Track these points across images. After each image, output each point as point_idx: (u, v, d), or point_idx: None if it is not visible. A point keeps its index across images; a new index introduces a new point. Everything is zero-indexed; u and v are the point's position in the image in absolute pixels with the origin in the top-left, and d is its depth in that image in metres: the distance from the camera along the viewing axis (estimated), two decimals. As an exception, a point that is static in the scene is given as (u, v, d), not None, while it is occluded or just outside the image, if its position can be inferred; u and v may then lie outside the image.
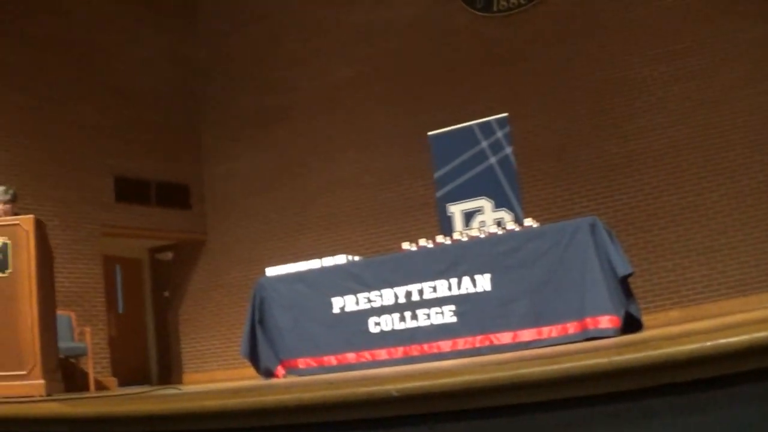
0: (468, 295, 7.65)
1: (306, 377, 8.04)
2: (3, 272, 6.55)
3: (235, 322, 14.34)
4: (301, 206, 14.42)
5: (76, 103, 13.76)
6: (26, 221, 6.64)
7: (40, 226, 6.74)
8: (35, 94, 13.22)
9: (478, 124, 9.66)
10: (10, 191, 7.53)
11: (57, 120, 13.45)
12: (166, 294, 15.77)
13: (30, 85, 13.18)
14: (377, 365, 7.89)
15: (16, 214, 7.26)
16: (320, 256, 9.20)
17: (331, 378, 6.04)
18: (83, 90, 13.92)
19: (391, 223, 13.37)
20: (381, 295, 8.07)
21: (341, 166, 14.10)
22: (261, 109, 15.12)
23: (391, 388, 2.91)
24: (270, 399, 3.21)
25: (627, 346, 2.70)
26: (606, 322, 6.89)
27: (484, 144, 9.50)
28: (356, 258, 8.98)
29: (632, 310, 7.15)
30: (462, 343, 7.58)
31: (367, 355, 8.07)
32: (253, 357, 8.64)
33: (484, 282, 7.58)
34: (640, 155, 11.68)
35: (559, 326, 7.19)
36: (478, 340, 7.51)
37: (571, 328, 7.12)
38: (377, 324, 8.07)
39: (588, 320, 6.99)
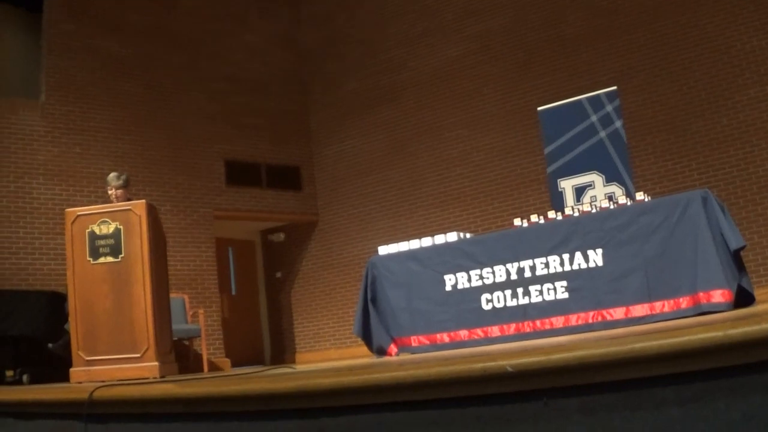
0: (580, 271, 7.56)
1: (419, 354, 8.07)
2: (116, 257, 6.66)
3: (348, 302, 14.48)
4: (412, 185, 14.44)
5: (185, 90, 14.05)
6: (138, 206, 6.74)
7: (152, 211, 6.84)
8: (145, 83, 13.56)
9: (588, 98, 9.53)
10: (123, 177, 7.70)
11: (167, 108, 13.77)
12: (279, 275, 15.97)
13: (140, 74, 13.53)
14: (490, 342, 7.87)
15: (129, 200, 7.41)
16: (431, 234, 9.21)
17: (445, 354, 6.05)
18: (192, 77, 14.20)
19: (501, 200, 13.30)
20: (493, 272, 8.04)
21: (450, 145, 14.06)
22: (369, 90, 15.17)
23: (506, 363, 2.90)
24: (384, 376, 3.22)
25: (741, 320, 2.65)
26: (719, 296, 6.72)
27: (594, 118, 9.37)
28: (468, 235, 8.96)
29: (744, 283, 6.96)
30: (574, 320, 7.51)
31: (479, 332, 8.05)
32: (366, 335, 8.70)
33: (596, 257, 7.49)
34: (751, 126, 11.34)
35: (672, 301, 7.05)
36: (590, 316, 7.43)
37: (684, 302, 6.97)
38: (489, 301, 8.05)
39: (701, 294, 6.83)
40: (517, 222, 8.42)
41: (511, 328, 7.87)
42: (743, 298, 6.86)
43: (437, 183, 14.15)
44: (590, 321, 7.41)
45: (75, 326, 6.57)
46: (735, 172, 11.37)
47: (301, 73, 15.96)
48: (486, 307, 8.06)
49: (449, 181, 14.00)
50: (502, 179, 13.38)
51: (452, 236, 8.67)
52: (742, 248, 6.99)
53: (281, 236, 15.99)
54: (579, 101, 9.56)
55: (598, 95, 9.49)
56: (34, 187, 11.93)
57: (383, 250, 9.03)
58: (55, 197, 12.03)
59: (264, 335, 16.06)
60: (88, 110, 12.78)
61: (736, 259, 6.99)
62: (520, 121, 13.04)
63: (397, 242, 9.09)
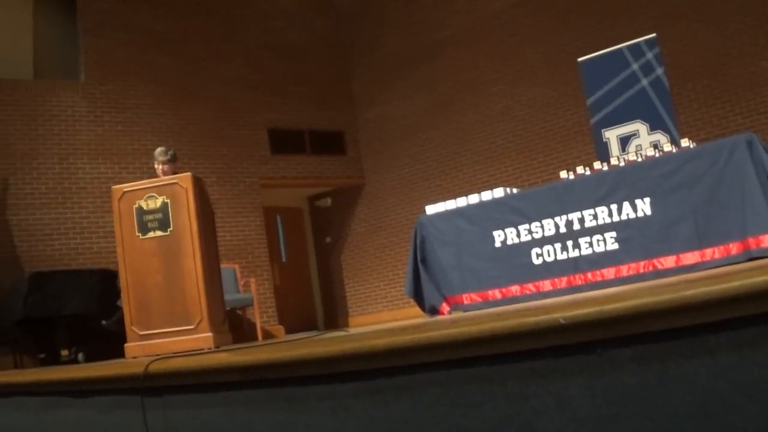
0: (629, 221, 7.52)
1: (471, 312, 8.11)
2: (165, 231, 6.66)
3: (398, 263, 14.53)
4: (456, 143, 14.40)
5: (225, 61, 14.09)
6: (184, 179, 6.74)
7: (198, 183, 6.83)
8: (183, 57, 13.61)
9: (628, 47, 9.43)
10: (170, 151, 7.73)
11: (208, 80, 13.82)
12: (328, 240, 16.07)
13: (177, 49, 13.58)
14: (541, 296, 7.89)
15: (176, 173, 7.44)
16: (478, 191, 9.20)
17: (497, 310, 6.05)
18: (232, 48, 14.23)
19: (546, 153, 13.22)
20: (542, 226, 8.04)
21: (493, 100, 13.98)
22: (410, 49, 15.11)
23: (559, 316, 2.90)
24: (437, 334, 3.23)
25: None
26: None
27: (635, 66, 9.27)
28: (514, 190, 8.95)
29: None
30: (625, 270, 7.48)
31: (531, 287, 8.06)
32: (418, 295, 8.76)
33: (644, 206, 7.44)
34: (796, 69, 11.15)
35: (722, 247, 6.99)
36: (641, 266, 7.39)
37: (734, 248, 6.90)
38: (539, 255, 8.05)
39: (750, 240, 6.76)
40: (563, 175, 8.38)
41: (563, 282, 7.87)
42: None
43: (481, 140, 14.09)
44: (641, 271, 7.37)
45: (127, 302, 6.62)
46: (780, 115, 11.20)
47: (340, 37, 15.94)
48: (536, 261, 8.06)
49: (493, 137, 13.94)
50: (546, 132, 13.29)
51: (499, 192, 8.65)
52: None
53: (328, 201, 16.06)
54: (619, 50, 9.47)
55: (638, 43, 9.38)
56: (79, 167, 12.06)
57: (431, 209, 9.04)
58: (100, 176, 12.16)
59: (316, 301, 16.19)
60: (128, 88, 12.86)
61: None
62: (561, 73, 12.92)
63: (445, 201, 9.09)
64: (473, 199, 8.77)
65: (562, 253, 7.91)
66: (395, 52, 15.31)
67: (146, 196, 6.74)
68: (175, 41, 13.56)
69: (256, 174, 14.10)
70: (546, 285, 7.94)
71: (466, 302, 8.50)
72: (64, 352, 9.54)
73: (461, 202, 8.85)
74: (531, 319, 3.00)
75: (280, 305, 14.07)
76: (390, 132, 15.29)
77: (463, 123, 14.35)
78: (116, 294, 8.87)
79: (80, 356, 9.29)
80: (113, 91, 12.69)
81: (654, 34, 9.46)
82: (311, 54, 15.38)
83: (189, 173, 6.86)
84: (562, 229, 7.91)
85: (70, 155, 12.02)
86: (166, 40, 13.46)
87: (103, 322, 9.51)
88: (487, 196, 8.69)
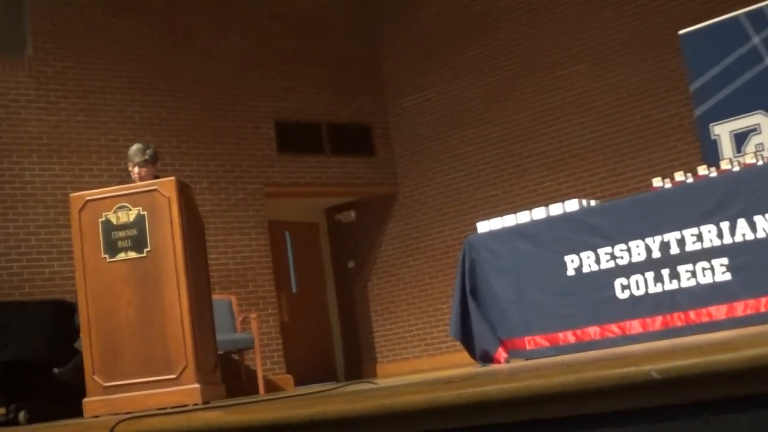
0: (745, 244, 7.45)
1: (536, 360, 8.08)
2: (140, 252, 6.70)
3: (440, 295, 14.54)
4: (516, 141, 14.39)
5: (219, 35, 14.16)
6: (166, 185, 6.75)
7: (184, 191, 6.86)
8: (166, 28, 13.70)
9: (746, 14, 9.38)
10: (149, 150, 7.77)
11: (197, 58, 13.89)
12: (351, 265, 16.10)
13: (158, 17, 13.68)
14: (628, 341, 7.82)
15: (156, 177, 7.46)
16: (545, 204, 9.17)
17: (570, 359, 6.01)
18: (228, 18, 14.30)
19: (634, 155, 13.16)
20: (629, 250, 7.98)
21: (564, 86, 13.96)
22: (455, 22, 15.16)
23: (651, 368, 2.87)
24: (492, 389, 3.21)
25: None
26: None
27: (756, 40, 9.22)
28: (592, 202, 8.93)
29: None
30: (740, 308, 7.41)
31: (614, 329, 8.02)
32: (466, 338, 8.78)
33: (765, 225, 7.37)
34: None
35: None
36: (762, 304, 7.33)
37: None
38: (626, 287, 7.99)
39: None
40: (656, 183, 8.34)
41: (657, 322, 7.82)
42: None
43: (549, 137, 14.07)
44: (763, 310, 7.30)
45: (89, 343, 6.64)
46: None
47: (365, 11, 15.97)
48: (621, 295, 8.01)
49: (565, 134, 13.91)
50: (634, 128, 13.24)
51: (572, 204, 8.61)
52: None
53: (352, 215, 16.10)
54: (735, 18, 9.42)
55: (760, 9, 9.32)
56: (26, 167, 12.07)
57: (483, 226, 9.06)
58: (55, 179, 12.16)
59: (335, 343, 16.25)
60: (91, 65, 12.91)
61: None
62: (655, 50, 12.89)
63: (501, 216, 9.09)
64: (539, 213, 8.76)
65: (655, 284, 7.86)
66: (437, 25, 15.37)
67: (116, 206, 6.77)
68: (155, 5, 13.61)
69: (259, 179, 14.15)
70: (634, 326, 7.90)
71: (528, 347, 8.49)
72: (1, 411, 9.53)
73: (523, 217, 8.84)
74: (614, 372, 2.97)
75: (289, 348, 14.10)
76: (430, 126, 15.32)
77: (524, 116, 14.35)
78: (74, 333, 8.88)
79: (22, 416, 9.25)
80: (71, 70, 12.72)
81: (782, -3, 9.44)
82: (330, 26, 15.45)
83: (173, 178, 6.90)
84: (656, 254, 7.86)
85: (13, 152, 12.06)
86: (142, 3, 13.49)
87: (55, 370, 9.50)
88: (556, 209, 8.67)
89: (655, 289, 7.86)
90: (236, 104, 14.12)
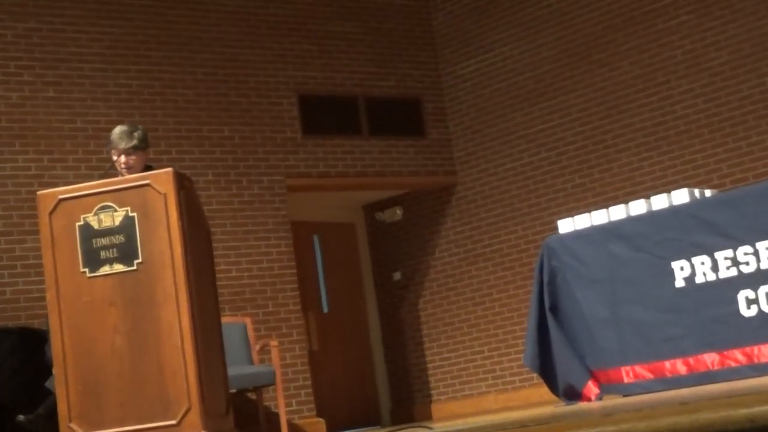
0: None
1: (636, 397, 8.05)
2: (129, 264, 6.72)
3: (511, 314, 14.66)
4: (606, 115, 14.37)
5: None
6: (161, 179, 6.79)
7: (183, 185, 6.90)
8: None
9: None
10: (137, 132, 7.77)
11: (198, 16, 13.94)
12: (397, 277, 16.13)
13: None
14: (757, 371, 7.80)
15: (149, 168, 7.46)
16: (644, 195, 9.14)
17: (681, 396, 5.98)
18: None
19: (763, 130, 13.07)
20: (756, 253, 7.95)
21: (668, 43, 13.91)
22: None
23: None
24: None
25: None
26: None
27: None
28: (707, 192, 8.86)
29: None
30: None
31: (737, 356, 7.99)
32: (545, 368, 8.83)
33: None
34: None
35: None
36: None
37: None
38: (753, 302, 7.96)
39: None
40: (792, 166, 8.29)
41: (794, 347, 7.77)
42: None
43: (649, 109, 14.03)
44: None
45: (64, 382, 6.66)
46: None
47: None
48: (747, 312, 7.98)
49: (670, 105, 13.86)
50: (760, 95, 13.15)
51: (681, 195, 8.58)
52: None
53: (397, 213, 16.16)
54: None
55: None
56: (-21, 157, 12.14)
57: (565, 225, 9.08)
58: (18, 173, 12.20)
59: (378, 377, 16.31)
60: (63, 27, 12.92)
61: None
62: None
63: (589, 211, 9.11)
64: (637, 207, 8.72)
65: (791, 298, 7.81)
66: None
67: (97, 206, 6.80)
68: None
69: (280, 169, 14.18)
70: (764, 353, 7.83)
71: (626, 380, 8.51)
72: None
73: (617, 212, 8.84)
74: (740, 413, 2.97)
75: (320, 384, 14.16)
76: (496, 98, 15.36)
77: (616, 82, 14.35)
78: (44, 369, 8.90)
79: None
80: (38, 32, 12.76)
81: None
82: (368, -27, 15.47)
83: (170, 169, 6.93)
84: (792, 259, 7.80)
85: (-34, 138, 12.13)
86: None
87: (21, 417, 9.54)
88: (660, 202, 8.61)
89: (791, 304, 7.83)
90: (250, 75, 14.15)
